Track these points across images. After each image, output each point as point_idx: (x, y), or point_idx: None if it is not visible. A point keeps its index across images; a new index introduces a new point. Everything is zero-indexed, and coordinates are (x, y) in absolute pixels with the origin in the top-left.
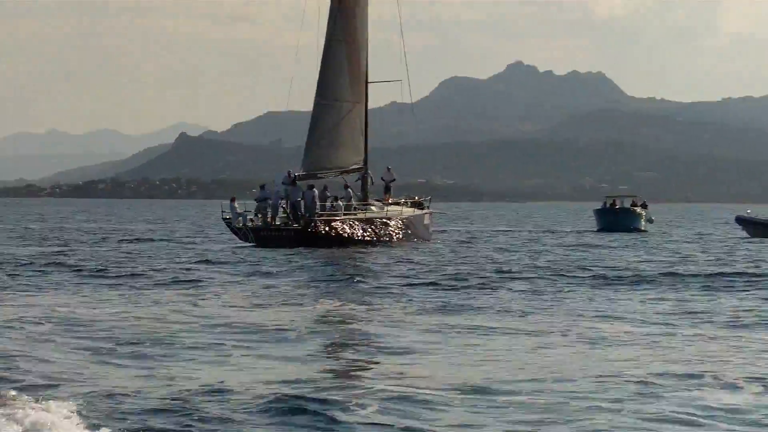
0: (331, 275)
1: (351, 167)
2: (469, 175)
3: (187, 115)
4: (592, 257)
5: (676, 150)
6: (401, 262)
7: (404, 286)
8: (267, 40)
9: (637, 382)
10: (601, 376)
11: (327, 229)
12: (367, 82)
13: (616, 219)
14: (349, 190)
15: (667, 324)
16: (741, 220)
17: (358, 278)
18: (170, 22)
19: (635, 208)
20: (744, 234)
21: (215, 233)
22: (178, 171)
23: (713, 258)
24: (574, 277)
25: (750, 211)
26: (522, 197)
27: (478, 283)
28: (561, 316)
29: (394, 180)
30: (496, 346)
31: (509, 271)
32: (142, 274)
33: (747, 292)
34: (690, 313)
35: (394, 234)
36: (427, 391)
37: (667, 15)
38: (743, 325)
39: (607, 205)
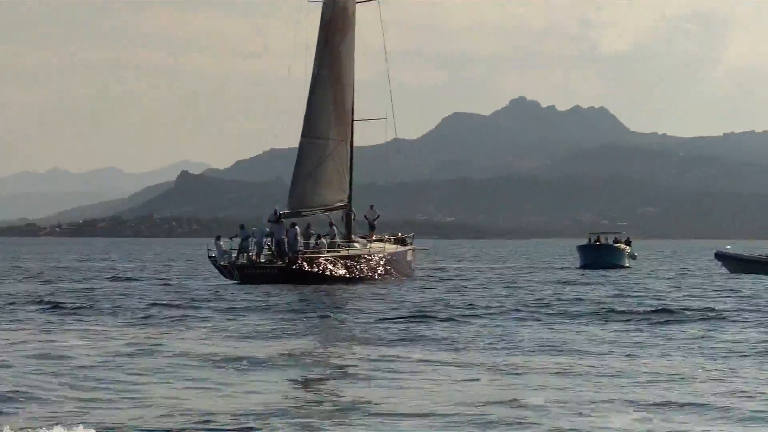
0: (302, 311)
1: (335, 205)
2: (471, 211)
3: (190, 153)
4: (562, 294)
5: (678, 185)
6: (377, 298)
7: (370, 322)
8: (270, 75)
9: (532, 409)
10: (503, 403)
11: (310, 266)
12: (353, 120)
13: (598, 255)
14: (334, 227)
15: (597, 355)
16: (720, 256)
17: (328, 314)
18: (173, 58)
19: (618, 244)
20: (724, 270)
21: (203, 271)
22: (180, 209)
23: (682, 295)
24: (534, 312)
25: (729, 247)
26: (523, 234)
27: (442, 318)
28: (500, 350)
29: (378, 217)
30: (428, 376)
31: (474, 307)
32: (117, 311)
33: (689, 325)
34: (625, 345)
35: (376, 271)
36: (343, 418)
37: (670, 50)
38: (663, 356)
39: (592, 242)
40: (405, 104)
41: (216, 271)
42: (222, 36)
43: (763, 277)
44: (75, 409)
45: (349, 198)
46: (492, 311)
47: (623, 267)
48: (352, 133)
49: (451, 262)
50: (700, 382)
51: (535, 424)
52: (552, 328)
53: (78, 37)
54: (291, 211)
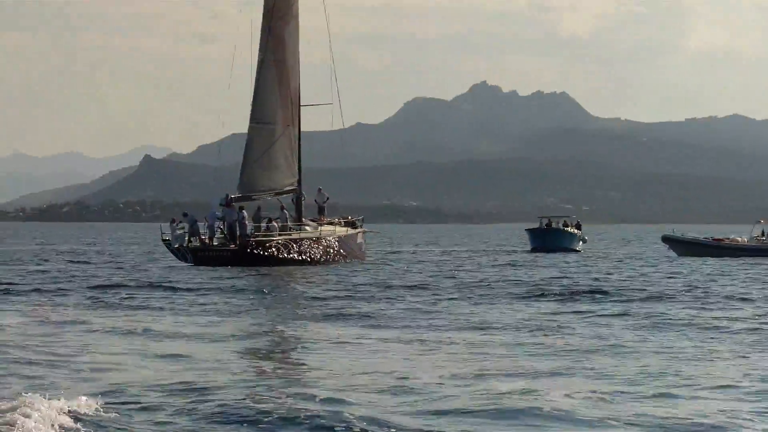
0: (244, 291)
1: (285, 189)
2: (434, 196)
3: (152, 138)
4: (504, 276)
5: (640, 169)
6: (322, 279)
7: (307, 300)
8: (228, 60)
9: (420, 380)
10: (394, 373)
11: (262, 249)
12: (299, 105)
13: (548, 239)
14: (285, 211)
15: (510, 330)
16: (666, 239)
17: (268, 293)
18: (135, 43)
19: (566, 228)
20: (671, 253)
21: (159, 255)
22: (143, 194)
23: (620, 277)
24: (468, 292)
25: (674, 230)
26: (487, 218)
27: (378, 297)
28: (419, 326)
29: (328, 200)
30: (339, 351)
31: (412, 288)
32: (64, 292)
33: (614, 305)
34: (542, 321)
35: (327, 253)
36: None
37: (631, 35)
38: (572, 331)
39: (543, 225)
40: (367, 89)
41: (170, 254)
42: (178, 20)
43: (709, 259)
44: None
45: (299, 182)
46: (428, 291)
47: (573, 250)
48: (300, 118)
49: (408, 245)
50: (595, 354)
51: (415, 390)
52: (478, 307)
53: (37, 21)
54: (241, 195)
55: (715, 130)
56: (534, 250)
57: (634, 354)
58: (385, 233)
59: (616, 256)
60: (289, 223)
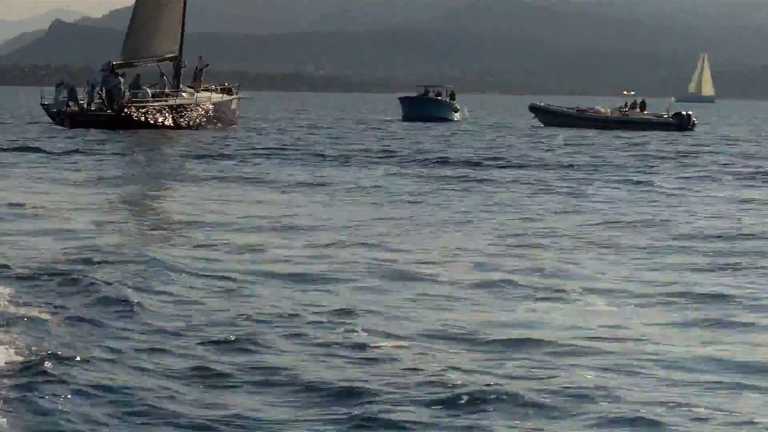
0: (110, 152)
1: (165, 56)
2: (345, 65)
3: (64, 1)
4: (356, 143)
5: (563, 44)
6: (185, 143)
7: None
8: None
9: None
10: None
11: (138, 114)
12: None
13: (417, 107)
14: (165, 78)
15: (318, 190)
16: (533, 109)
17: (135, 154)
18: None
19: (439, 98)
20: (537, 123)
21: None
22: (52, 58)
23: (470, 147)
24: (315, 157)
25: (542, 102)
26: (396, 88)
27: (243, 159)
28: (252, 184)
29: (207, 66)
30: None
31: (271, 153)
32: None
33: (439, 170)
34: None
35: (201, 119)
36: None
37: None
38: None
39: (421, 94)
40: None
41: (48, 118)
42: None
43: (571, 129)
44: None
45: (180, 50)
46: (279, 157)
47: (447, 120)
48: None
49: (285, 113)
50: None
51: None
52: (317, 170)
53: None
54: (124, 61)
55: (633, 3)
56: (405, 119)
57: (411, 205)
58: (268, 101)
59: (485, 127)
60: (166, 89)
